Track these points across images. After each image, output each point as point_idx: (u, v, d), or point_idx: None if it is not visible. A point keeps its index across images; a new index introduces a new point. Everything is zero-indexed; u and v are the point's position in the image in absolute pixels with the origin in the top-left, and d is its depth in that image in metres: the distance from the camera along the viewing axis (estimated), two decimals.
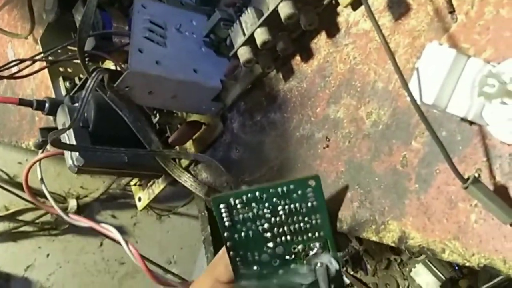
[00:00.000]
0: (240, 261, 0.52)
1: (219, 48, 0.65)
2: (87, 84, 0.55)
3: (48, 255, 1.79)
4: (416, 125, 0.49)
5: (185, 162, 0.70)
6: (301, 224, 0.51)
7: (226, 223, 0.51)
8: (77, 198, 1.79)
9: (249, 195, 0.51)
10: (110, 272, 1.93)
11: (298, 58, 0.60)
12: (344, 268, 1.08)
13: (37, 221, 1.71)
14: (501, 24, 0.45)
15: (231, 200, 0.51)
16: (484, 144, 0.45)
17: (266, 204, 0.51)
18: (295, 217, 0.51)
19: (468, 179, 0.42)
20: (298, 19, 0.54)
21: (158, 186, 0.74)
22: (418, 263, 0.98)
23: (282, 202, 0.51)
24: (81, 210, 1.80)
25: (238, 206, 0.51)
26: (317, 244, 0.52)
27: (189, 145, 0.69)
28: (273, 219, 0.51)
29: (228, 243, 0.52)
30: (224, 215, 0.51)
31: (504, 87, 0.41)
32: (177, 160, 0.69)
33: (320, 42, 0.58)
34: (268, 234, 0.51)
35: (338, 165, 0.55)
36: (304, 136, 0.58)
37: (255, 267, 0.52)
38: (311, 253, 0.52)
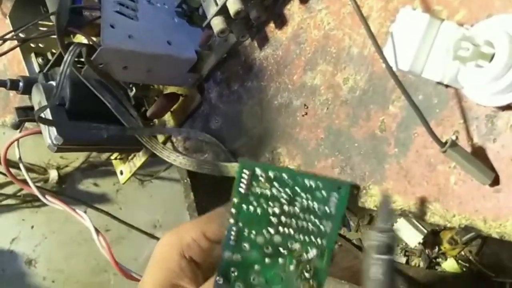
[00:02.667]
0: (235, 231, 0.51)
1: (192, 17, 0.64)
2: (65, 58, 0.54)
3: (32, 227, 1.79)
4: (393, 90, 0.49)
5: (163, 136, 0.70)
6: (310, 225, 0.50)
7: (242, 190, 0.49)
8: (58, 168, 1.78)
9: (276, 173, 0.49)
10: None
11: (272, 25, 0.59)
12: None
13: (19, 193, 1.70)
14: None
15: (257, 170, 0.49)
16: (461, 106, 0.45)
17: (288, 190, 0.50)
18: (307, 215, 0.50)
19: (446, 142, 0.43)
20: None
21: (139, 159, 0.74)
22: (400, 218, 1.00)
23: (303, 195, 0.49)
24: (62, 180, 1.79)
25: (261, 179, 0.49)
26: (315, 251, 0.50)
27: (168, 117, 0.69)
28: (286, 207, 0.50)
29: (233, 210, 0.50)
30: (243, 181, 0.49)
31: (478, 49, 0.41)
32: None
33: (293, 8, 0.58)
34: (274, 219, 0.50)
35: (318, 132, 0.55)
36: (283, 104, 0.58)
37: (246, 245, 0.51)
38: (305, 256, 0.51)
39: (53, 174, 1.76)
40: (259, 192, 0.50)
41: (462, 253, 1.03)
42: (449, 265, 1.04)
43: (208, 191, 1.00)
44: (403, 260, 1.06)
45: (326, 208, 0.49)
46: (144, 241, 1.95)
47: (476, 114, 0.44)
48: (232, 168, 0.58)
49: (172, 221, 2.00)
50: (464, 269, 1.03)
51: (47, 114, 0.63)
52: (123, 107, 0.65)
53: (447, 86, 0.46)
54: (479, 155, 0.43)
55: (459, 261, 1.03)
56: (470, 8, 0.45)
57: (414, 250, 1.05)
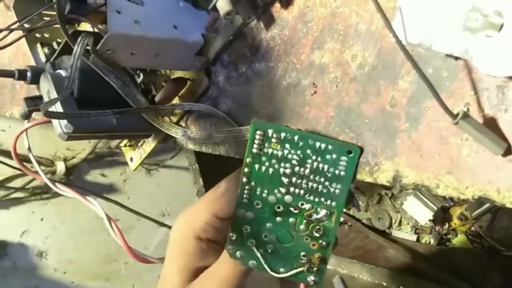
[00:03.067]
0: (248, 190, 0.52)
1: (196, 1, 0.64)
2: (74, 50, 0.54)
3: (42, 219, 1.80)
4: (402, 65, 0.49)
5: (174, 119, 0.70)
6: (320, 186, 0.51)
7: (254, 150, 0.51)
8: (65, 160, 1.78)
9: (288, 134, 0.51)
10: (106, 229, 1.94)
11: (277, 5, 0.59)
12: None
13: (27, 186, 1.71)
14: None
15: (269, 131, 0.51)
16: (471, 78, 0.45)
17: (299, 152, 0.51)
18: (317, 177, 0.51)
19: (457, 114, 0.43)
20: None
21: (149, 145, 0.74)
22: (409, 196, 1.00)
23: (314, 157, 0.51)
24: (69, 172, 1.80)
25: (273, 140, 0.51)
26: (324, 211, 0.52)
27: (176, 102, 0.69)
28: (297, 168, 0.51)
29: (246, 169, 0.51)
30: (256, 141, 0.51)
31: (487, 19, 0.41)
32: (166, 117, 0.69)
33: None
34: (286, 180, 0.51)
35: (328, 111, 0.55)
36: (291, 84, 0.58)
37: (258, 203, 0.52)
38: (315, 216, 0.52)
39: (60, 166, 1.77)
40: (270, 153, 0.51)
41: (473, 228, 1.03)
42: (460, 241, 1.04)
43: (217, 176, 1.01)
44: (413, 237, 1.06)
45: (336, 170, 0.51)
46: (153, 230, 1.96)
47: (486, 85, 0.44)
48: (247, 131, 0.58)
49: (180, 209, 2.01)
50: (475, 245, 1.03)
51: (57, 104, 0.63)
52: (129, 88, 0.65)
53: (456, 58, 0.46)
54: (491, 126, 0.44)
55: (470, 236, 1.03)
56: None
57: (424, 228, 1.06)
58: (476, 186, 0.45)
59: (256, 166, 0.52)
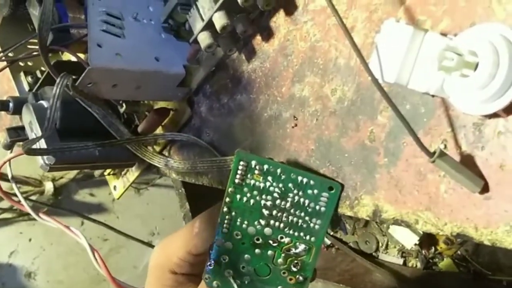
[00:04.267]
0: (228, 220, 0.52)
1: (178, 32, 0.64)
2: (53, 91, 0.54)
3: (30, 240, 1.79)
4: (381, 100, 0.50)
5: (157, 148, 0.70)
6: (300, 221, 0.51)
7: (236, 180, 0.51)
8: (53, 180, 1.78)
9: (270, 167, 0.51)
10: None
11: (258, 38, 0.60)
12: None
13: (15, 207, 1.70)
14: None
15: (253, 162, 0.51)
16: (448, 115, 0.45)
17: (280, 185, 0.51)
18: (298, 211, 0.51)
19: (434, 152, 0.43)
20: (255, 1, 0.54)
21: (132, 174, 0.74)
22: None
23: (295, 191, 0.51)
24: (58, 192, 1.80)
25: (256, 171, 0.51)
26: (303, 246, 0.52)
27: (159, 132, 0.69)
28: (278, 201, 0.51)
29: (227, 199, 0.52)
30: (239, 171, 0.51)
31: (463, 59, 0.41)
32: (149, 147, 0.69)
33: (279, 20, 0.58)
34: (266, 212, 0.52)
35: (308, 144, 0.55)
36: (272, 116, 0.59)
37: (237, 233, 0.53)
38: (293, 250, 0.52)
39: (49, 186, 1.76)
40: (252, 184, 0.51)
41: (459, 252, 1.03)
42: (446, 264, 1.04)
43: (203, 200, 1.01)
44: (400, 261, 1.06)
45: (317, 206, 0.51)
46: (143, 249, 1.95)
47: (463, 123, 0.44)
48: (231, 161, 0.58)
49: (169, 228, 2.01)
50: (461, 269, 1.03)
51: (38, 133, 0.63)
52: (111, 119, 0.65)
53: (433, 95, 0.46)
54: (468, 163, 0.44)
55: (456, 260, 1.03)
56: (453, 17, 0.45)
57: (410, 251, 1.06)
58: (454, 223, 0.45)
59: (238, 196, 0.52)
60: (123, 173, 0.76)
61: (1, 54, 0.71)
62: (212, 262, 0.53)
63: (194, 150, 0.67)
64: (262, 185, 0.51)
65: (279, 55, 0.58)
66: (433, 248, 1.05)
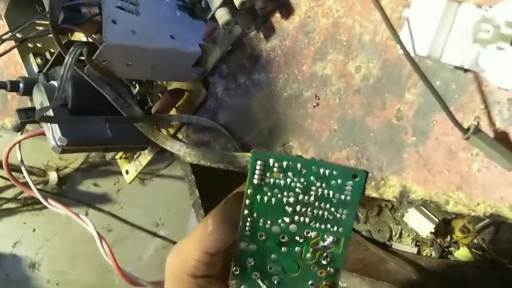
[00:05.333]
0: (250, 222, 0.51)
1: (194, 10, 0.62)
2: (65, 60, 0.52)
3: (34, 230, 1.78)
4: (408, 77, 0.48)
5: (171, 131, 0.68)
6: (326, 213, 0.50)
7: (255, 181, 0.49)
8: (57, 170, 1.77)
9: (290, 163, 0.49)
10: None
11: (278, 15, 0.58)
12: None
13: (19, 197, 1.69)
14: None
15: (270, 161, 0.49)
16: (481, 91, 0.44)
17: (302, 179, 0.49)
18: (323, 203, 0.50)
19: (468, 129, 0.41)
20: None
21: (145, 158, 0.73)
22: (410, 208, 0.99)
23: (318, 184, 0.49)
24: (62, 181, 1.78)
25: (275, 169, 0.49)
26: (331, 238, 0.50)
27: (173, 114, 0.67)
28: (301, 196, 0.50)
29: (247, 201, 0.50)
30: (257, 172, 0.49)
31: (499, 31, 0.40)
32: (162, 129, 0.67)
33: None
34: (289, 209, 0.50)
35: (331, 123, 0.53)
36: (292, 96, 0.57)
37: (261, 235, 0.51)
38: (321, 244, 0.50)
39: (53, 176, 1.75)
40: (272, 182, 0.49)
41: (475, 241, 1.01)
42: (462, 253, 1.03)
43: (213, 187, 0.99)
44: (414, 250, 1.04)
45: (342, 196, 0.49)
46: (147, 239, 1.94)
47: (497, 98, 0.43)
48: (243, 158, 0.56)
49: (174, 219, 2.00)
50: (478, 257, 1.01)
51: (49, 115, 0.62)
52: (124, 99, 0.63)
53: (465, 70, 0.44)
54: (502, 141, 0.42)
55: (472, 249, 1.02)
56: None
57: (425, 240, 1.04)
58: (487, 203, 0.43)
59: (258, 197, 0.50)
60: (135, 156, 0.74)
61: (9, 34, 0.69)
62: (237, 267, 0.52)
63: (210, 133, 0.65)
64: (282, 182, 0.50)
65: (299, 32, 0.56)
66: (448, 236, 1.03)
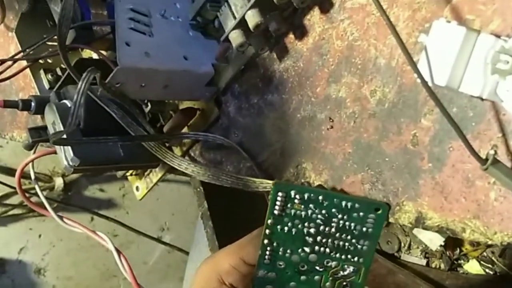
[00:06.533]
0: (270, 251, 0.50)
1: (206, 30, 0.62)
2: (78, 86, 0.52)
3: (40, 236, 1.78)
4: (425, 102, 0.48)
5: (183, 148, 0.68)
6: (347, 244, 0.50)
7: (276, 212, 0.49)
8: (63, 176, 1.77)
9: (311, 194, 0.49)
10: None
11: (291, 36, 0.58)
12: None
13: (25, 203, 1.69)
14: None
15: (292, 192, 0.49)
16: (499, 120, 0.43)
17: (323, 211, 0.49)
18: (344, 235, 0.49)
19: (486, 159, 0.41)
20: None
21: (156, 175, 0.73)
22: None
23: (340, 216, 0.49)
24: (68, 187, 1.78)
25: (296, 201, 0.49)
26: (351, 268, 0.50)
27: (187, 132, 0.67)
28: (322, 227, 0.49)
29: (267, 230, 0.50)
30: (278, 203, 0.49)
31: None
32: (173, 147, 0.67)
33: (314, 18, 0.56)
34: (310, 239, 0.50)
35: (345, 147, 0.53)
36: (306, 118, 0.57)
37: (281, 263, 0.51)
38: (341, 273, 0.50)
39: (59, 182, 1.75)
40: (293, 213, 0.49)
41: (485, 254, 1.01)
42: (472, 266, 1.02)
43: (222, 199, 0.99)
44: (423, 262, 1.04)
45: (363, 228, 0.49)
46: (153, 244, 1.94)
47: None
48: (261, 184, 0.56)
49: (180, 224, 2.00)
50: (487, 271, 1.01)
51: (62, 137, 0.62)
52: (132, 118, 0.63)
53: (483, 98, 0.44)
54: None
55: (482, 262, 1.02)
56: (504, 16, 0.43)
57: (434, 252, 1.04)
58: (505, 232, 0.43)
59: (278, 227, 0.50)
60: (146, 173, 0.74)
61: (22, 54, 0.69)
62: None
63: (221, 152, 0.65)
64: (303, 213, 0.49)
65: (313, 54, 0.56)
66: (458, 249, 1.03)
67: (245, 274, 0.51)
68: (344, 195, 0.50)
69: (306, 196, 0.49)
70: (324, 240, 0.50)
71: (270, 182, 0.51)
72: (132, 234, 1.88)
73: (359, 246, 0.50)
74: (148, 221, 1.95)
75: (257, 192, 0.56)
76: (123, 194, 1.91)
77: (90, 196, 1.86)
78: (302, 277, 0.51)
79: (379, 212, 0.49)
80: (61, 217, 0.66)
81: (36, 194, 0.70)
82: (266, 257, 0.50)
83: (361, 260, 0.50)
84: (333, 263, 0.50)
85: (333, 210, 0.49)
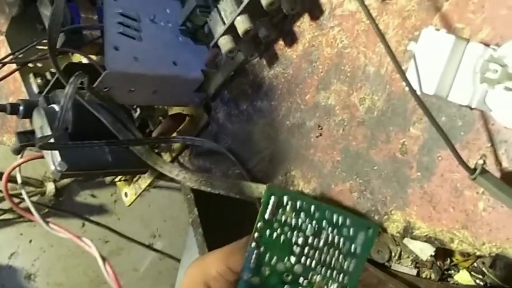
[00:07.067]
0: (256, 254, 0.50)
1: (196, 35, 0.62)
2: (65, 90, 0.51)
3: (30, 241, 1.76)
4: (414, 111, 0.47)
5: (172, 154, 0.68)
6: (333, 260, 0.49)
7: (267, 216, 0.48)
8: (54, 181, 1.75)
9: (304, 203, 0.48)
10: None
11: (281, 43, 0.57)
12: None
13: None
14: (496, 2, 0.43)
15: (285, 198, 0.48)
16: (488, 129, 0.43)
17: (314, 222, 0.49)
18: (331, 250, 0.49)
19: (475, 169, 0.41)
20: (279, 4, 0.52)
21: (144, 181, 0.72)
22: None
23: (330, 230, 0.49)
24: (59, 193, 1.77)
25: (288, 208, 0.48)
26: (335, 286, 0.50)
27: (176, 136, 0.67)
28: (311, 238, 0.49)
29: (256, 234, 0.49)
30: (269, 207, 0.48)
31: (507, 70, 0.39)
32: (162, 153, 0.67)
33: (304, 25, 0.55)
34: (297, 249, 0.49)
35: (334, 154, 0.53)
36: (295, 125, 0.56)
37: (266, 270, 0.50)
38: None
39: (50, 187, 1.73)
40: (283, 220, 0.49)
41: (475, 264, 1.01)
42: (462, 277, 1.02)
43: (213, 205, 0.98)
44: (413, 272, 1.04)
45: (352, 246, 0.49)
46: (144, 251, 1.93)
47: (504, 137, 0.42)
48: (257, 189, 0.55)
49: (171, 231, 1.98)
50: (477, 281, 1.01)
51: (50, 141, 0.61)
52: (121, 124, 0.62)
53: (472, 108, 0.44)
54: (509, 180, 0.41)
55: (472, 273, 1.01)
56: (494, 26, 0.43)
57: (425, 262, 1.03)
58: (493, 243, 0.43)
59: (267, 231, 0.49)
60: (134, 179, 0.74)
61: (11, 56, 0.68)
62: None
63: (210, 159, 0.65)
64: (294, 221, 0.49)
65: (303, 61, 0.56)
66: (448, 259, 1.02)
67: (231, 282, 0.51)
68: (337, 209, 0.49)
69: (298, 204, 0.48)
70: (311, 253, 0.49)
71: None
72: (123, 240, 1.87)
73: (345, 264, 0.49)
74: (139, 228, 1.94)
75: (251, 199, 0.56)
76: (114, 200, 1.90)
77: (82, 201, 1.85)
78: (286, 287, 0.50)
79: (370, 231, 0.48)
80: (47, 222, 0.66)
81: (35, 208, 0.69)
82: (252, 260, 0.50)
83: (346, 279, 0.49)
84: (318, 278, 0.49)
85: (324, 222, 0.48)
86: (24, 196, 0.67)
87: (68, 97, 0.51)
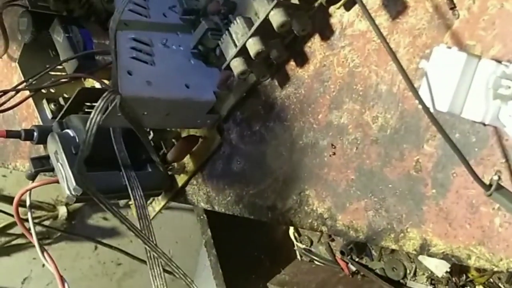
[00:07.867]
0: None
1: (208, 58, 0.62)
2: (91, 116, 0.52)
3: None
4: (427, 128, 0.48)
5: (184, 178, 0.68)
6: None
7: None
8: (67, 204, 1.76)
9: None
10: (108, 274, 1.91)
11: (292, 63, 0.58)
12: (349, 256, 1.07)
13: None
14: (507, 18, 0.43)
15: None
16: (502, 145, 0.43)
17: None
18: None
19: (490, 185, 0.41)
20: (290, 26, 0.52)
21: (158, 203, 0.72)
22: None
23: None
24: (71, 216, 1.78)
25: None
26: None
27: (187, 160, 0.67)
28: None
29: None
30: None
31: None
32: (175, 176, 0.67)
33: (315, 45, 0.56)
34: None
35: (348, 173, 0.53)
36: (308, 144, 0.56)
37: None
38: None
39: (62, 211, 1.74)
40: None
41: (491, 280, 1.00)
42: None
43: (226, 226, 0.98)
44: None
45: None
46: None
47: None
48: None
49: (183, 252, 1.98)
50: None
51: (64, 163, 0.61)
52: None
53: (485, 124, 0.44)
54: None
55: None
56: (505, 42, 0.43)
57: (440, 279, 1.03)
58: (511, 258, 0.43)
59: None
60: (148, 202, 0.74)
61: (24, 84, 0.69)
62: None
63: (223, 181, 0.65)
64: None
65: (314, 81, 0.56)
66: (464, 275, 1.02)
67: None
68: None
69: None
70: None
71: None
72: (136, 262, 1.87)
73: None
74: None
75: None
76: None
77: (94, 224, 1.85)
78: None
79: None
80: (43, 251, 0.66)
81: (38, 224, 0.69)
82: None
83: None
84: None
85: None
86: (30, 220, 0.67)
87: (94, 123, 0.52)
